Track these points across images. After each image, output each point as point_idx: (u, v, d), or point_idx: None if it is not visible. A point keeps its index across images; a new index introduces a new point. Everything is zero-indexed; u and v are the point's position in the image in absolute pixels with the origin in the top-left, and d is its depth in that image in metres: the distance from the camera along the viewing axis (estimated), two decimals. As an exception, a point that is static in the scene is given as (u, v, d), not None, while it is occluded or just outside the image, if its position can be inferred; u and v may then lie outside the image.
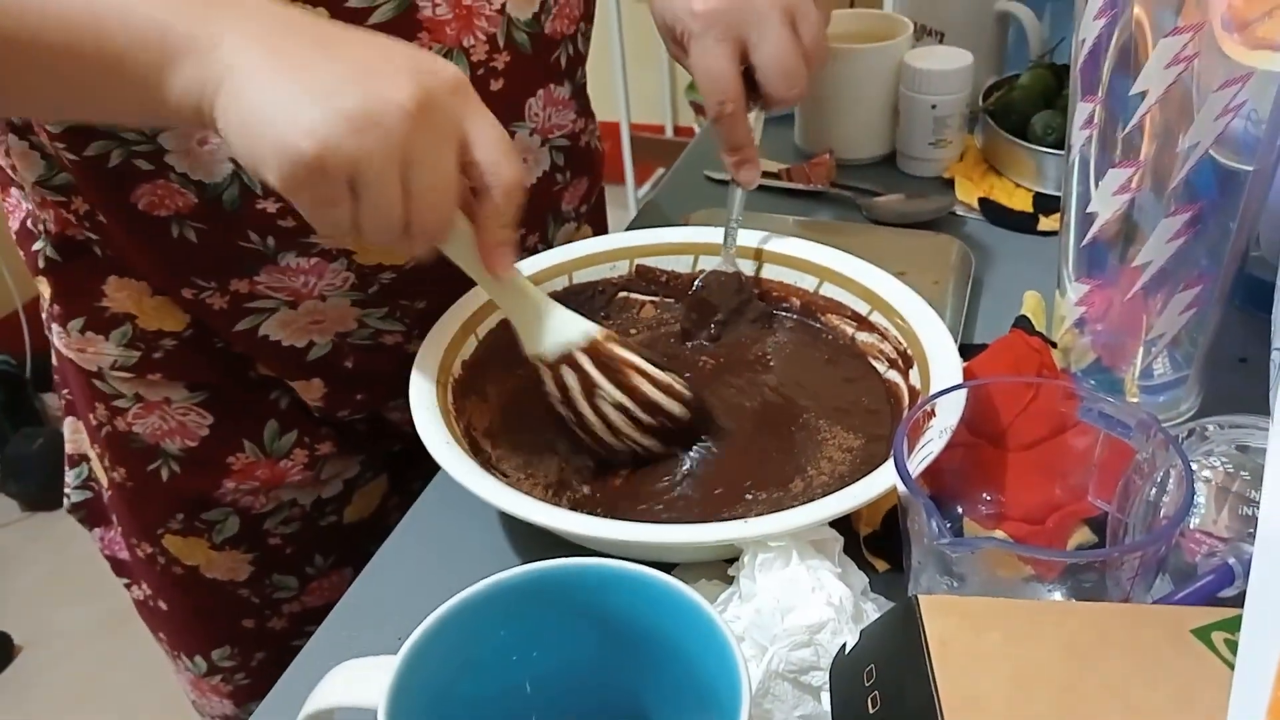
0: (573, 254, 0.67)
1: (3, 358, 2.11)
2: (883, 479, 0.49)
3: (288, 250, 0.62)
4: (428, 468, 0.52)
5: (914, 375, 0.58)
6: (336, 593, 0.57)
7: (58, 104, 0.51)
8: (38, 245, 0.66)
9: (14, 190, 0.65)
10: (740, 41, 0.57)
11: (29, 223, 0.66)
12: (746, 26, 0.57)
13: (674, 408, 0.56)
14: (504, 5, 0.60)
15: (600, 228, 0.79)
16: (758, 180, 0.65)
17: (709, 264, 0.67)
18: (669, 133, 2.81)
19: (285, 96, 0.42)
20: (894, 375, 0.60)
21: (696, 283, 0.67)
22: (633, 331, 0.68)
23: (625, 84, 2.40)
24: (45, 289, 0.68)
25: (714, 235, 0.67)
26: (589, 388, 0.55)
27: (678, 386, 0.57)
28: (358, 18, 0.55)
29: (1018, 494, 0.51)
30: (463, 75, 0.46)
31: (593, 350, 0.56)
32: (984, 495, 0.52)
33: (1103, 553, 0.46)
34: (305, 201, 0.44)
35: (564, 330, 0.56)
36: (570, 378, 0.56)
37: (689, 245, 0.68)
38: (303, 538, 0.75)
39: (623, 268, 0.68)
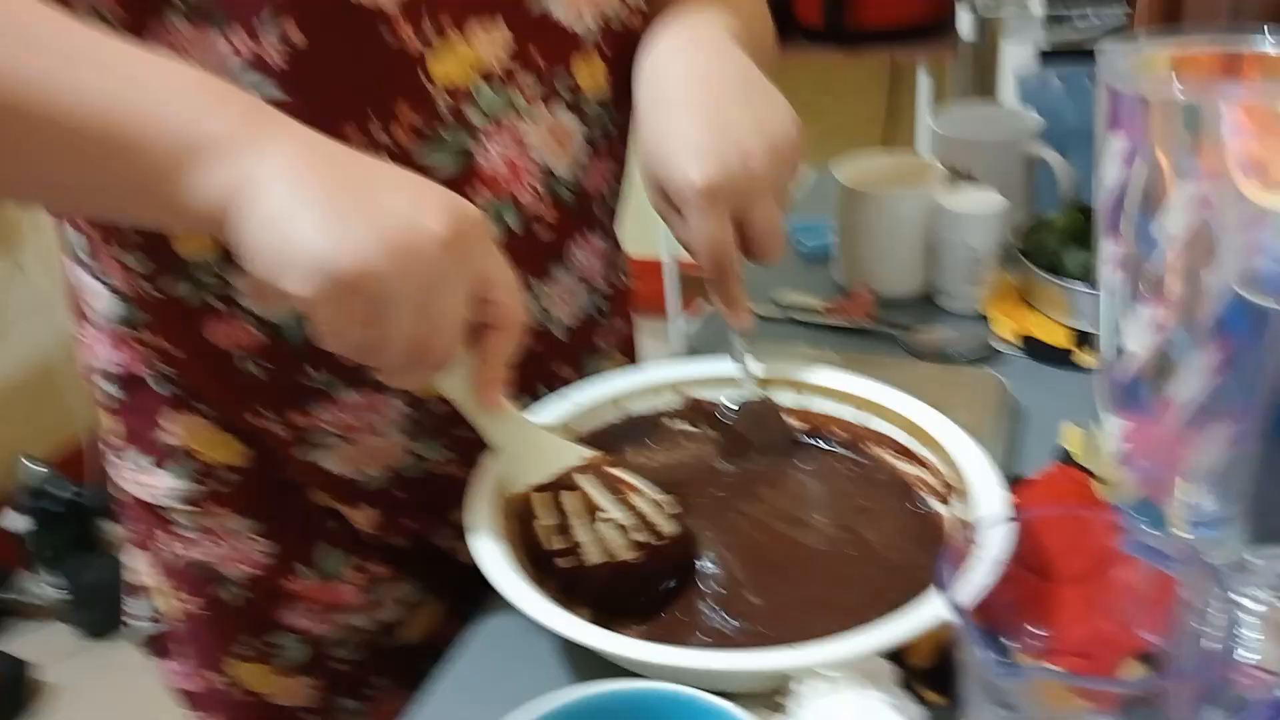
0: (621, 386, 0.70)
1: (74, 489, 2.15)
2: (932, 609, 0.49)
3: (345, 386, 0.65)
4: (484, 589, 0.53)
5: (959, 507, 0.59)
6: (398, 710, 0.58)
7: (58, 191, 0.50)
8: (102, 381, 0.70)
9: (89, 328, 0.70)
10: (737, 213, 0.59)
11: (93, 361, 0.70)
12: (744, 201, 0.58)
13: (666, 525, 0.58)
14: (548, 166, 0.64)
15: (630, 355, 0.82)
16: (750, 324, 0.66)
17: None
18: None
19: (329, 213, 0.44)
20: (939, 507, 0.61)
21: (725, 411, 0.69)
22: (684, 442, 0.69)
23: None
24: (109, 423, 0.71)
25: (756, 365, 0.69)
26: (590, 509, 0.57)
27: (670, 508, 0.58)
28: (424, 173, 0.59)
29: (1066, 628, 0.51)
30: (484, 217, 0.49)
31: (591, 471, 0.58)
32: (1032, 629, 0.52)
33: (1150, 682, 0.46)
34: (327, 316, 0.45)
35: (560, 455, 0.58)
36: (570, 501, 0.57)
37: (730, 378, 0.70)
38: (366, 662, 0.76)
39: (667, 396, 0.70)
